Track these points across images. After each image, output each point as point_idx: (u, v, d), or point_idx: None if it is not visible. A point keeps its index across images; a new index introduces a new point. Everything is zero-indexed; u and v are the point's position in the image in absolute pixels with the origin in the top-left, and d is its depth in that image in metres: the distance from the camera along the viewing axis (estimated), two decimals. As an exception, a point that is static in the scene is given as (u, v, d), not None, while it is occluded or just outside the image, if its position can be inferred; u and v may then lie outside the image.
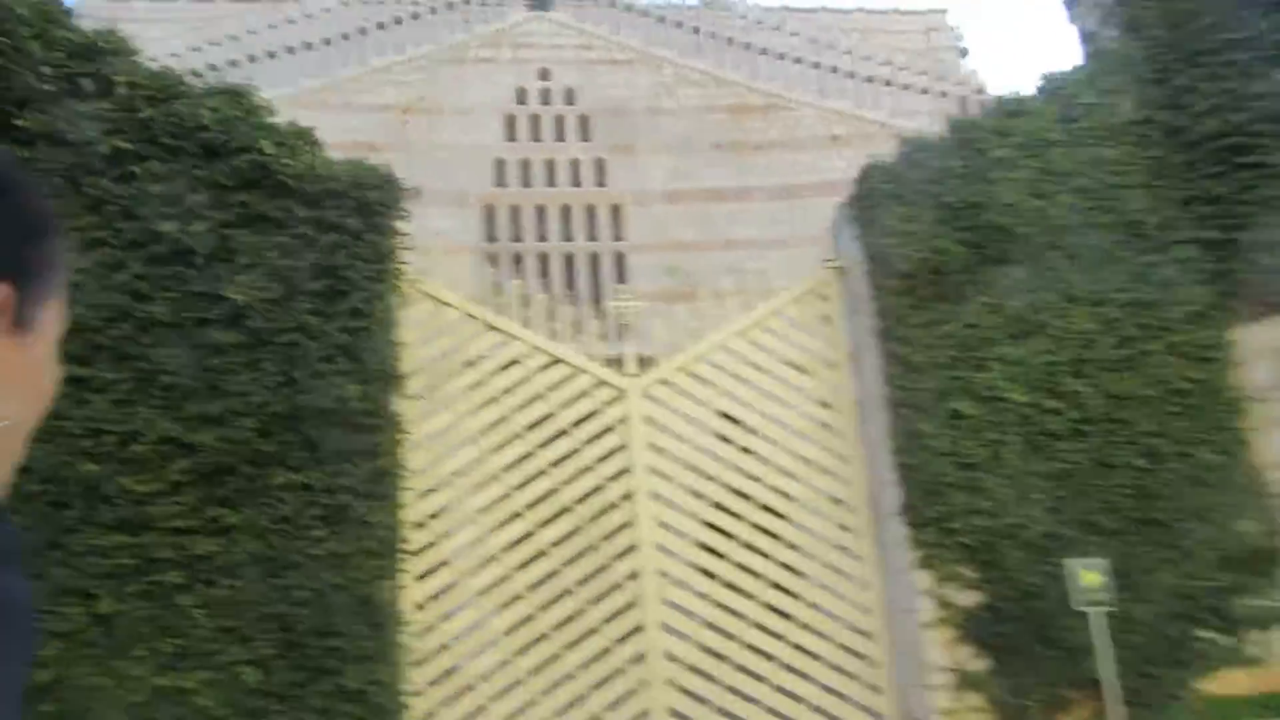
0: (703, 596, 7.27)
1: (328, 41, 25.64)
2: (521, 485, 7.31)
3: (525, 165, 24.68)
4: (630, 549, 7.25)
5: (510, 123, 25.51)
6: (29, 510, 5.74)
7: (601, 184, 25.18)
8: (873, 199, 7.60)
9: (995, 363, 7.28)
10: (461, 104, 25.26)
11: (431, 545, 7.06)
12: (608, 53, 26.58)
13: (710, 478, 7.56)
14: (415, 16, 26.91)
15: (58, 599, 5.60)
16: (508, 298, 7.71)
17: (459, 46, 26.24)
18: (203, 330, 6.35)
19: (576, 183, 24.74)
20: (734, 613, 7.28)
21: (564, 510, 7.31)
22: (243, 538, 6.03)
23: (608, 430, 7.53)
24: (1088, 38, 9.91)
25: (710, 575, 7.32)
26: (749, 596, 7.30)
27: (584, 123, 25.45)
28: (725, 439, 7.67)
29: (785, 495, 7.57)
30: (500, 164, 24.66)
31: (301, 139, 7.34)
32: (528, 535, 7.25)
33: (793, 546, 7.42)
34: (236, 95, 7.14)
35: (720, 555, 7.37)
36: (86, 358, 6.18)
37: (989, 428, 7.11)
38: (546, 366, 7.58)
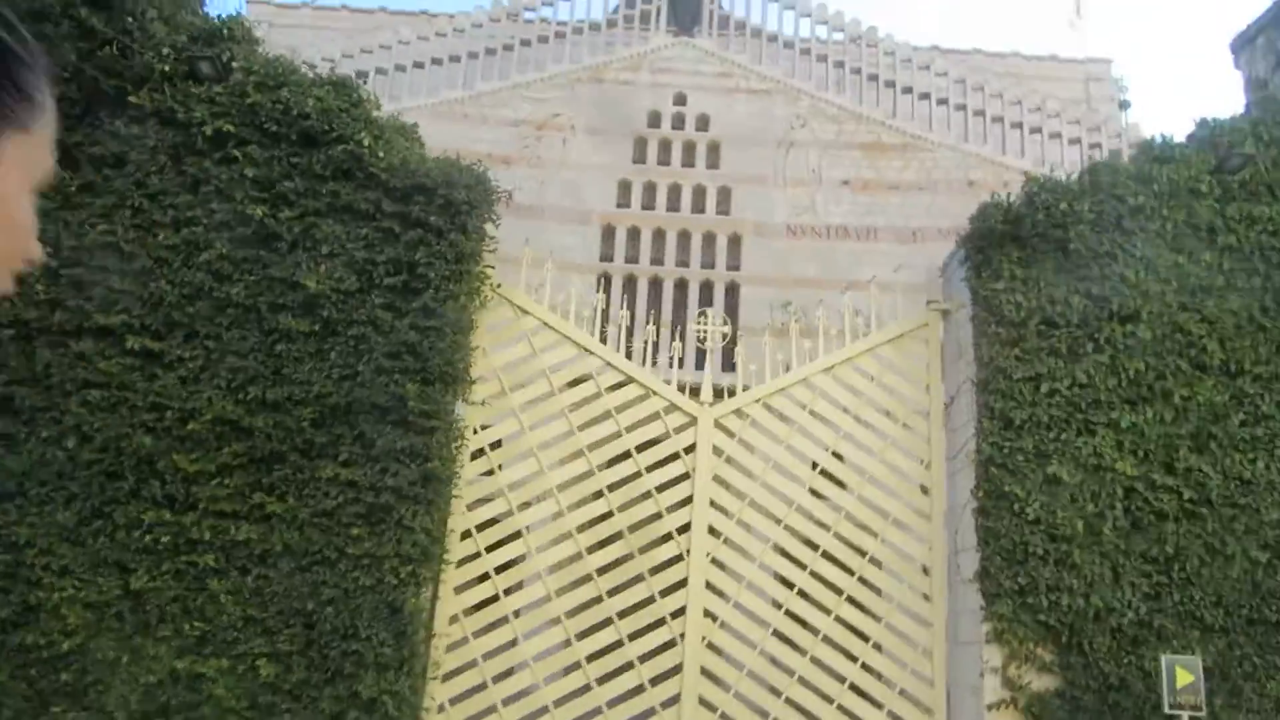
0: (751, 645, 6.79)
1: (473, 55, 26.35)
2: (577, 505, 7.02)
3: (650, 188, 24.65)
4: (679, 585, 6.85)
5: (641, 145, 25.56)
6: (83, 477, 5.83)
7: (725, 212, 24.90)
8: (988, 239, 7.01)
9: (1105, 428, 6.58)
10: (595, 124, 25.50)
11: (476, 557, 6.85)
12: (746, 82, 26.35)
13: (776, 519, 7.09)
14: (560, 36, 27.37)
15: (95, 569, 5.64)
16: (594, 313, 7.46)
17: (599, 67, 26.51)
18: (275, 315, 6.37)
19: (700, 209, 24.55)
20: (782, 667, 6.77)
21: (616, 536, 6.98)
22: (281, 527, 5.97)
23: (673, 457, 7.18)
24: (1255, 85, 9.02)
25: (762, 623, 6.84)
26: (801, 651, 6.78)
27: (714, 150, 25.26)
28: (798, 480, 7.19)
29: (854, 548, 7.02)
30: (625, 185, 24.73)
31: (401, 134, 7.34)
32: (576, 557, 6.95)
33: (855, 603, 6.86)
34: (343, 87, 7.20)
35: (776, 604, 6.88)
36: (161, 333, 6.28)
37: (1089, 499, 6.41)
38: (619, 385, 7.30)
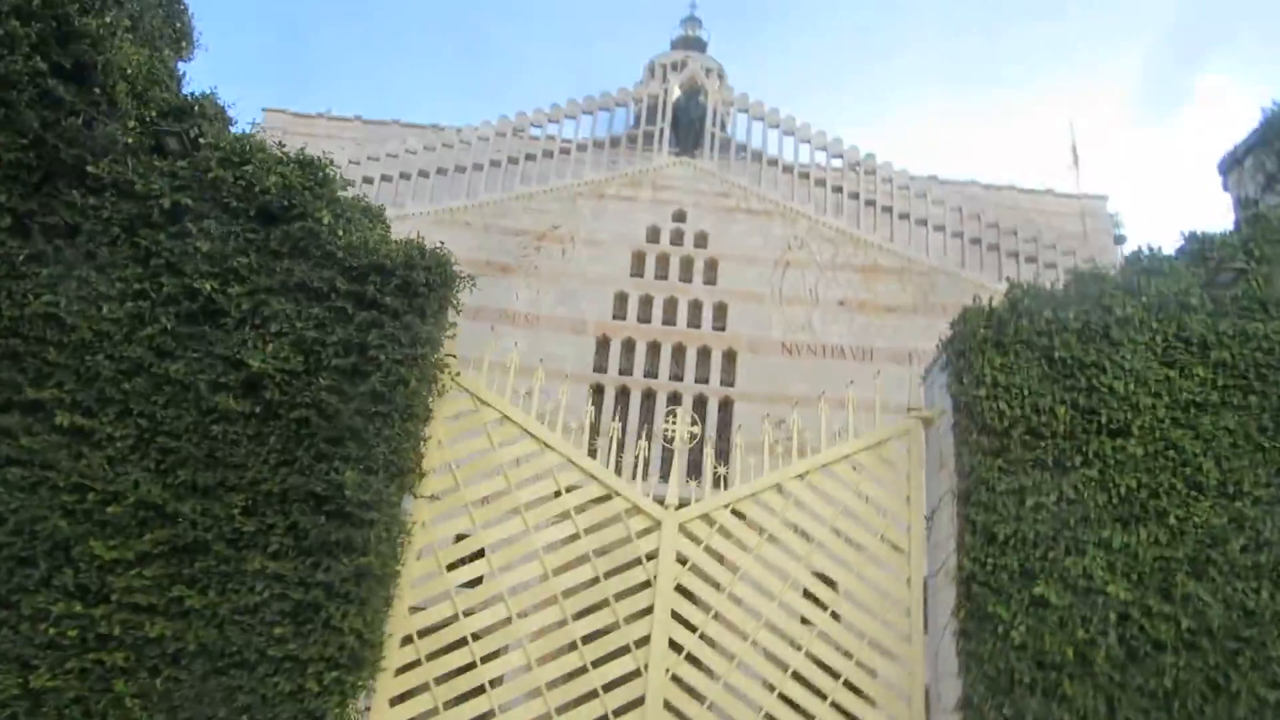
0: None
1: (478, 167, 26.84)
2: (527, 614, 6.51)
3: (647, 301, 24.66)
4: (636, 703, 6.26)
5: (639, 259, 25.70)
6: (-7, 561, 5.39)
7: (720, 328, 24.80)
8: (969, 344, 6.71)
9: (1095, 548, 6.12)
10: (594, 236, 25.71)
11: (415, 665, 6.29)
12: (745, 202, 26.71)
13: (744, 636, 6.55)
14: (564, 152, 27.93)
15: (-6, 663, 5.15)
16: (561, 415, 7.11)
17: (600, 182, 26.93)
18: (214, 394, 6.03)
19: (695, 324, 24.47)
20: (744, 803, 6.13)
21: (570, 646, 6.43)
22: (198, 624, 5.48)
23: (635, 564, 6.69)
24: (1245, 204, 8.90)
25: (721, 752, 6.23)
26: (762, 787, 6.15)
27: (711, 266, 25.39)
28: (768, 593, 6.68)
29: (827, 669, 6.45)
30: (622, 297, 24.75)
31: (365, 214, 7.18)
32: (525, 669, 6.39)
33: None
34: (309, 165, 7.06)
35: (738, 730, 6.28)
36: (93, 409, 5.94)
37: (1079, 624, 5.91)
38: (579, 486, 6.88)
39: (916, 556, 6.69)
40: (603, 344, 24.15)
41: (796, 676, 6.43)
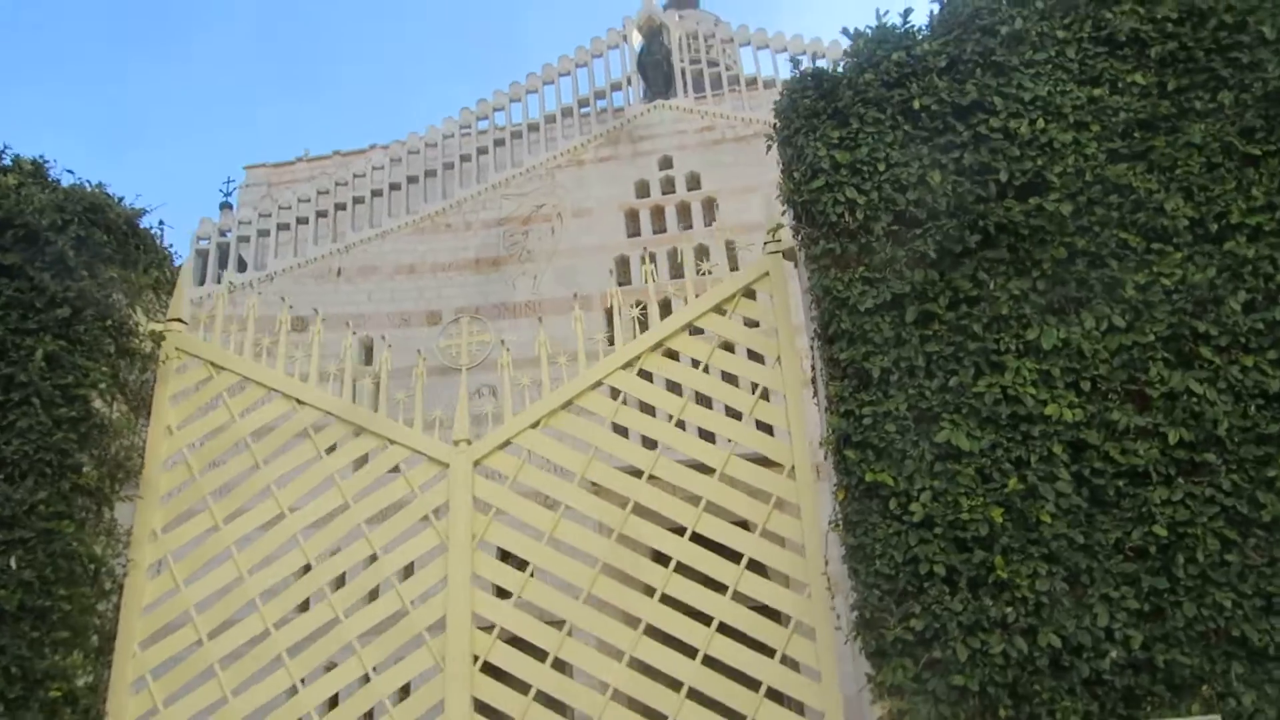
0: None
1: (448, 166, 25.40)
2: (284, 621, 4.86)
3: (651, 259, 22.79)
4: (436, 712, 4.55)
5: (633, 217, 23.85)
6: None
7: (734, 267, 22.70)
8: (793, 124, 4.77)
9: (1018, 358, 4.16)
10: (581, 206, 24.00)
11: (153, 715, 4.73)
12: (731, 130, 24.50)
13: (576, 593, 4.76)
14: (533, 129, 26.27)
15: None
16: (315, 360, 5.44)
17: (576, 150, 25.16)
18: None
19: (706, 270, 22.44)
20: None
21: (348, 650, 4.76)
22: None
23: (423, 525, 4.98)
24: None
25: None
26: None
27: (709, 206, 23.34)
28: (606, 529, 4.87)
29: (699, 616, 4.60)
30: (624, 261, 22.95)
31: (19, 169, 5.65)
32: (290, 692, 4.74)
33: (702, 698, 4.40)
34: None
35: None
36: None
37: (1012, 470, 3.96)
38: (346, 444, 5.21)
39: (797, 428, 4.76)
40: (611, 316, 22.25)
41: (655, 633, 4.60)
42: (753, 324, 5.31)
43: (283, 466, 5.23)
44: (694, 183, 23.46)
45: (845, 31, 4.96)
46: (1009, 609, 3.80)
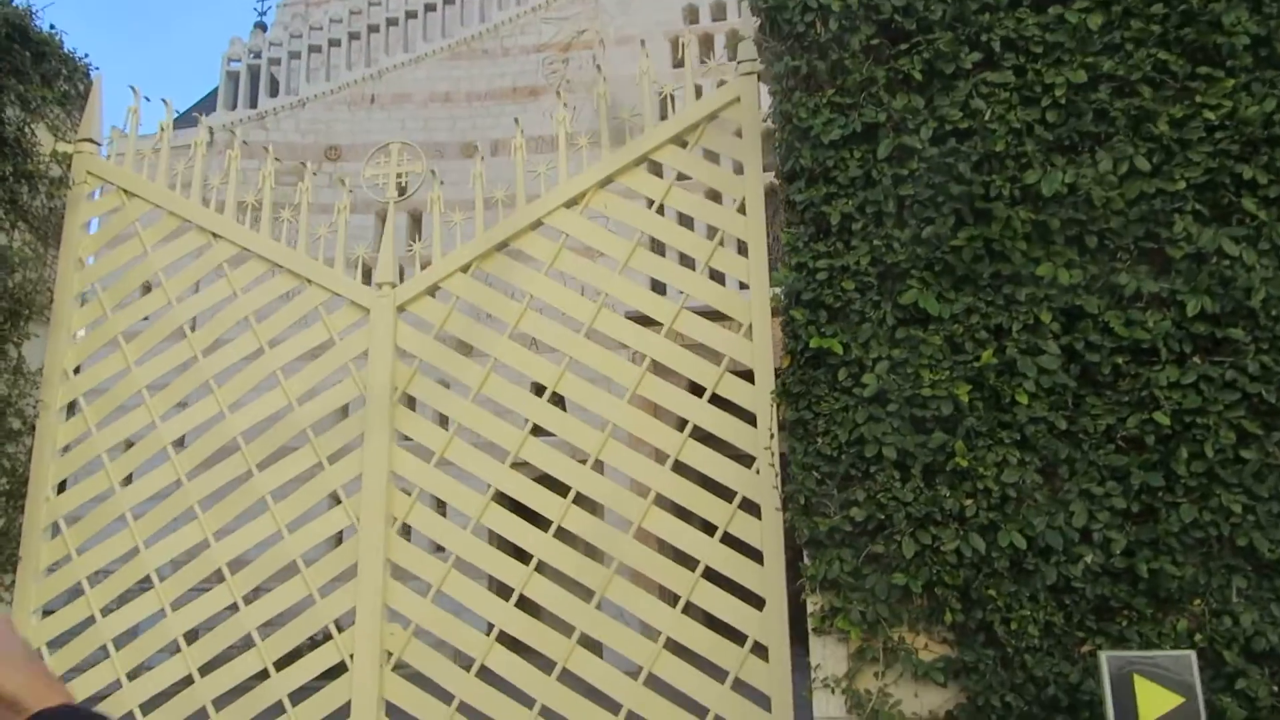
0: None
1: (485, -15, 23.91)
2: (196, 472, 4.53)
3: (697, 92, 21.47)
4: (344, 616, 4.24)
5: (679, 47, 22.35)
6: None
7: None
8: (762, -90, 3.87)
9: (1009, 206, 3.38)
10: (625, 33, 22.54)
11: (66, 561, 4.51)
12: (790, -52, 22.38)
13: (503, 456, 4.31)
14: (576, -55, 24.44)
15: None
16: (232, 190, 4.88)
17: (622, -31, 23.45)
18: None
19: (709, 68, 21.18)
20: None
21: (260, 505, 4.43)
22: None
23: (341, 377, 4.53)
24: None
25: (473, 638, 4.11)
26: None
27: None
28: (545, 391, 4.36)
29: (637, 487, 4.14)
30: (668, 96, 21.66)
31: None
32: (202, 546, 4.46)
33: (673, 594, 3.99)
34: None
35: (502, 604, 4.13)
36: None
37: (989, 339, 3.28)
38: (264, 281, 4.72)
39: (757, 281, 4.12)
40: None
41: (582, 500, 4.15)
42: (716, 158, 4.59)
43: (196, 306, 4.78)
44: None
45: None
46: (968, 501, 3.24)
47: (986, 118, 3.45)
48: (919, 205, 3.46)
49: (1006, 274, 3.33)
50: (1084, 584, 3.17)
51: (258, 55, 22.63)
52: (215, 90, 22.59)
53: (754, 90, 4.41)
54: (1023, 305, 3.32)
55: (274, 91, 22.61)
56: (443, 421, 4.60)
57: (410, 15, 23.77)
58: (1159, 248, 3.32)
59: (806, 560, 3.48)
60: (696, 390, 4.09)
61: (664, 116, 4.60)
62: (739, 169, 4.32)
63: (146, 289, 5.93)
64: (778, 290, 3.76)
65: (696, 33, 22.52)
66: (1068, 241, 3.36)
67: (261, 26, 25.85)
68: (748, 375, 4.05)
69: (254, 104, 22.66)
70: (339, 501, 4.34)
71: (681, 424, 4.13)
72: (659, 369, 4.20)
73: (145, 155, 4.96)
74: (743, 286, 4.14)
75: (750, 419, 4.00)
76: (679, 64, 22.56)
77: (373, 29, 23.14)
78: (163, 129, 4.99)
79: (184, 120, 21.29)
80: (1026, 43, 3.51)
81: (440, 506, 5.44)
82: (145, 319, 5.30)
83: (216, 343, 4.71)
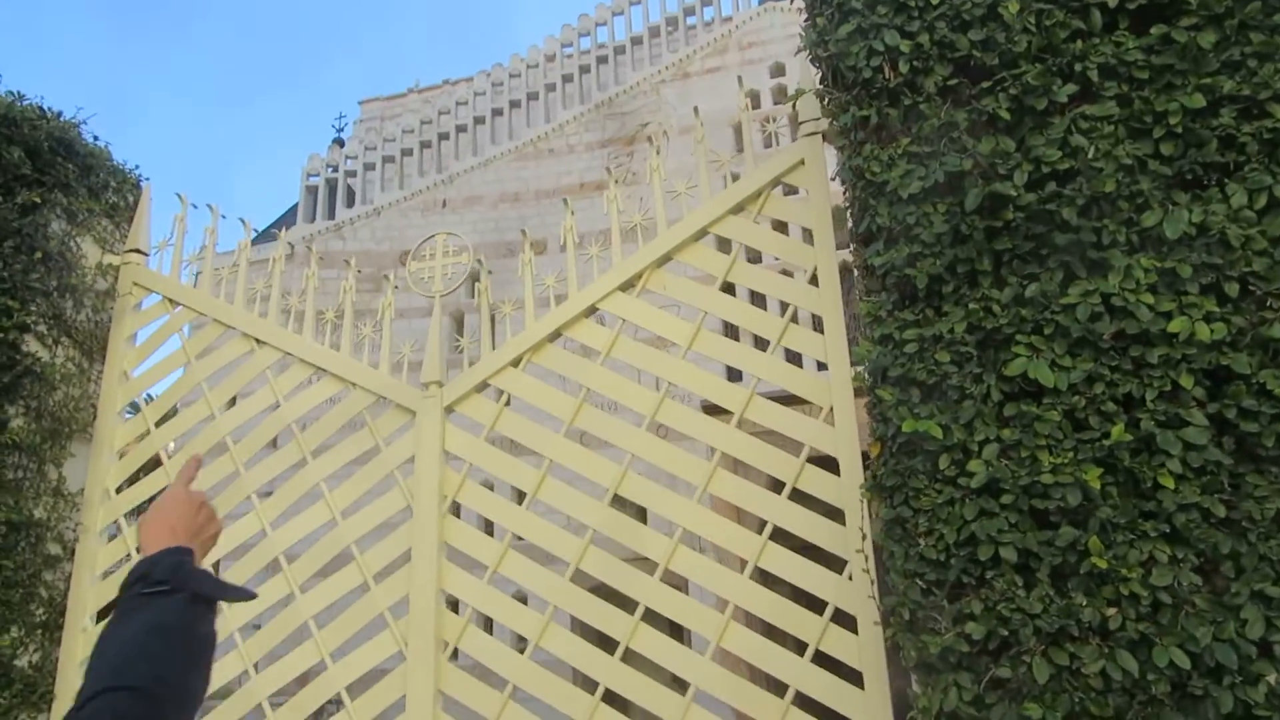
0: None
1: (550, 88, 24.57)
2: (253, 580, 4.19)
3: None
4: (395, 710, 3.80)
5: (741, 131, 22.37)
6: None
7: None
8: (815, -45, 3.56)
9: (1128, 254, 2.88)
10: (687, 122, 22.73)
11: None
12: (848, 28, 22.43)
13: (562, 569, 3.88)
14: (636, 42, 25.01)
15: None
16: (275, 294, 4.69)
17: (682, 62, 23.82)
18: None
19: (770, 131, 20.96)
20: None
21: (304, 635, 4.07)
22: None
23: (389, 483, 4.19)
24: None
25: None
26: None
27: (825, 114, 21.56)
28: (598, 487, 3.94)
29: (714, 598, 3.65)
30: (733, 178, 21.61)
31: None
32: (243, 678, 4.10)
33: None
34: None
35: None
36: None
37: (1112, 414, 2.74)
38: (310, 385, 4.46)
39: (837, 358, 3.67)
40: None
41: (653, 617, 3.67)
42: (784, 228, 4.20)
43: (239, 416, 4.53)
44: (808, 90, 21.72)
45: None
46: (1112, 611, 2.66)
47: (1090, 155, 2.98)
48: (1019, 260, 2.99)
49: (1133, 333, 2.81)
50: (1269, 712, 2.55)
51: (335, 169, 23.46)
52: (295, 206, 23.38)
53: (819, 151, 4.04)
54: (1156, 369, 2.78)
55: (350, 202, 23.32)
56: (493, 530, 4.21)
57: (479, 121, 24.43)
58: (1318, 291, 2.77)
59: (916, 687, 2.92)
60: (776, 486, 3.62)
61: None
62: (808, 238, 3.92)
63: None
64: (860, 368, 3.29)
65: (759, 117, 22.58)
66: (1203, 291, 2.84)
67: (339, 142, 26.88)
68: (832, 465, 3.57)
69: (332, 215, 23.38)
70: (386, 626, 3.94)
71: (761, 525, 3.64)
72: (733, 464, 3.74)
73: (193, 264, 4.82)
74: (821, 367, 3.69)
75: (838, 515, 3.50)
76: (742, 149, 22.49)
77: (443, 136, 23.84)
78: (211, 237, 4.85)
79: (265, 236, 21.98)
80: (1129, 69, 3.06)
81: (491, 626, 5.00)
82: (186, 433, 5.08)
83: (259, 453, 4.43)
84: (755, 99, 22.11)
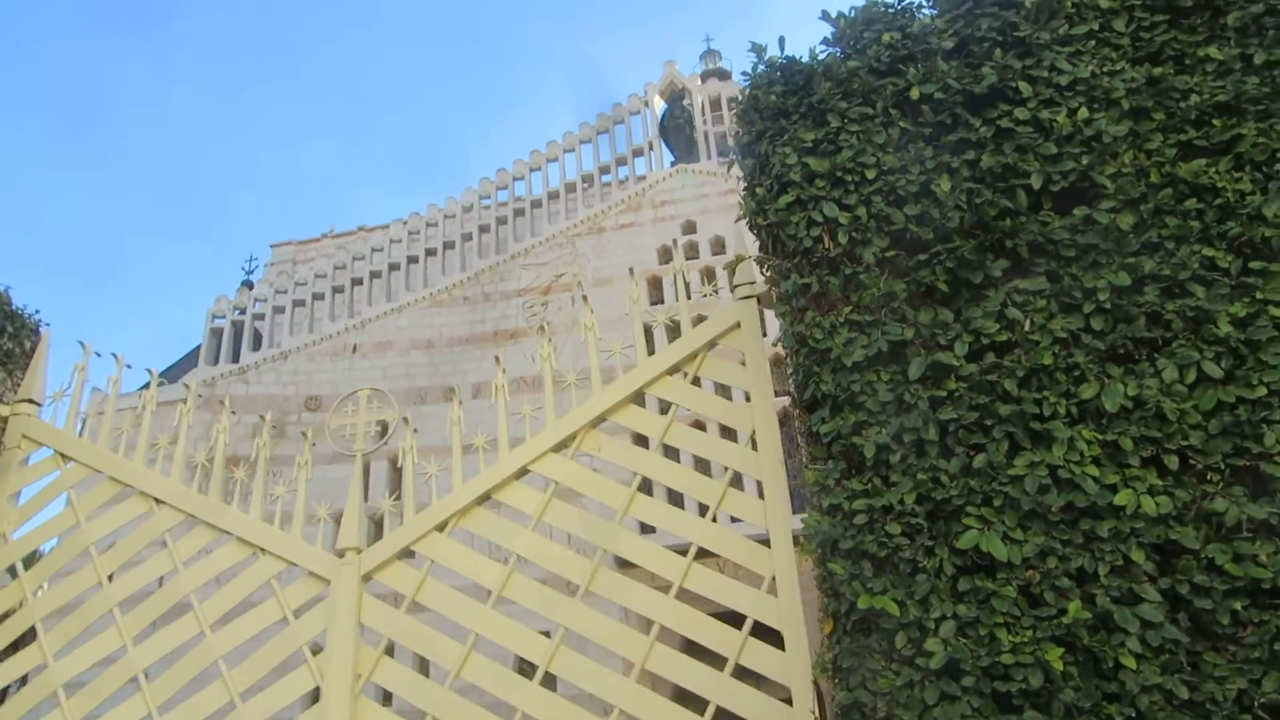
0: None
1: (466, 238, 24.88)
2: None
3: (674, 329, 21.77)
4: None
5: (656, 285, 23.01)
6: None
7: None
8: (755, 126, 3.68)
9: (1068, 425, 2.90)
10: (602, 274, 23.23)
11: None
12: (756, 191, 23.52)
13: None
14: (553, 197, 25.72)
15: None
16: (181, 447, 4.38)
17: (598, 217, 24.52)
18: None
19: (708, 292, 21.39)
20: None
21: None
22: None
23: (296, 662, 3.82)
24: None
25: None
26: None
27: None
28: (533, 662, 3.67)
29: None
30: (647, 330, 21.93)
31: None
32: None
33: None
34: None
35: None
36: None
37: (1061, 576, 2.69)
38: (211, 551, 4.11)
39: (778, 526, 3.56)
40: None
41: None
42: (724, 389, 4.16)
43: (132, 584, 4.13)
44: (719, 247, 22.55)
45: (825, 16, 3.87)
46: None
47: (1026, 328, 3.05)
48: (965, 430, 2.99)
49: (1081, 506, 2.80)
50: None
51: (242, 311, 22.97)
52: (198, 348, 22.68)
53: (754, 314, 4.07)
54: (1107, 543, 2.77)
55: (256, 345, 22.76)
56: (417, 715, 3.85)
57: (394, 267, 24.47)
58: (1252, 464, 2.83)
59: None
60: (720, 662, 3.42)
61: (651, 352, 4.22)
62: (747, 397, 3.89)
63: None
64: (804, 536, 3.20)
65: (671, 271, 23.19)
66: (1145, 463, 2.87)
67: (248, 285, 26.46)
68: (776, 638, 3.41)
69: (236, 359, 22.74)
70: (285, 826, 3.51)
71: (703, 706, 3.42)
72: (671, 638, 3.55)
73: (92, 415, 4.49)
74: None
75: (783, 693, 3.32)
76: (656, 301, 23.09)
77: (356, 281, 23.74)
78: (113, 389, 4.55)
79: (167, 375, 21.04)
80: (1056, 246, 3.19)
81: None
82: (69, 603, 4.61)
83: (151, 627, 4.02)
84: (668, 254, 22.81)
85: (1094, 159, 3.32)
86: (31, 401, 4.58)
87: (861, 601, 2.80)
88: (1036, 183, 3.28)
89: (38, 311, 4.83)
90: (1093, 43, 3.60)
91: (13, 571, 4.29)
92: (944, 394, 3.03)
